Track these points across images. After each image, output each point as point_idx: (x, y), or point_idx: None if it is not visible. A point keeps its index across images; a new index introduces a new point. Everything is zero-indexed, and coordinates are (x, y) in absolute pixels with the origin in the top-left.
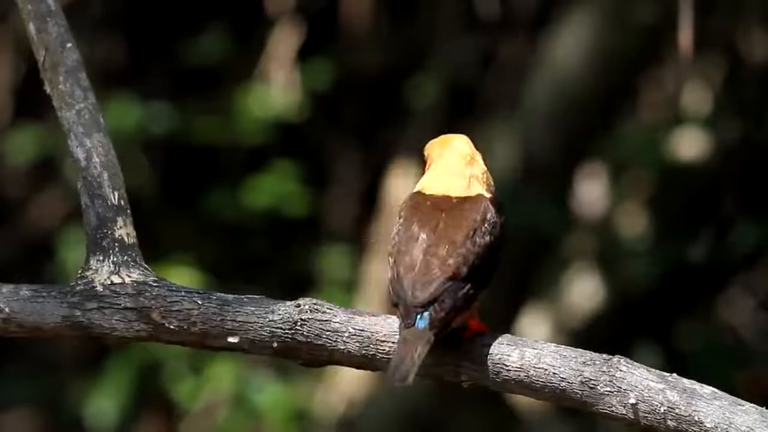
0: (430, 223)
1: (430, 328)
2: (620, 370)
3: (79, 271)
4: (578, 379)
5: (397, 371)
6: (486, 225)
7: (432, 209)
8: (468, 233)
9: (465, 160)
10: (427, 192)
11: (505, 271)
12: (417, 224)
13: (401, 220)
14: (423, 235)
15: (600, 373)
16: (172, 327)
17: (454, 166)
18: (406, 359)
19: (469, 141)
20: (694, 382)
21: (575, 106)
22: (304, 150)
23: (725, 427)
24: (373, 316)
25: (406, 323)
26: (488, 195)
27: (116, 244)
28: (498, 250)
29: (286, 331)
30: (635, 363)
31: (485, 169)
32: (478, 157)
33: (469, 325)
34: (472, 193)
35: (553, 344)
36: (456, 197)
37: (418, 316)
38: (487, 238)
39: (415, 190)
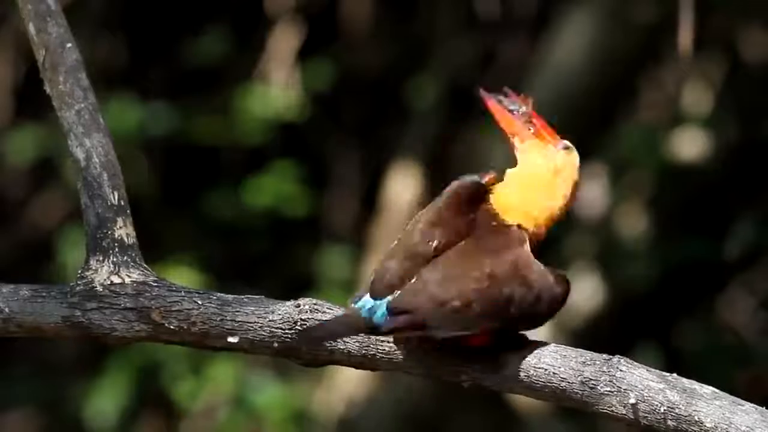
0: (453, 232)
1: (372, 323)
2: (620, 370)
3: (79, 272)
4: (578, 379)
5: (315, 332)
6: (516, 279)
7: (468, 214)
8: (485, 271)
9: (556, 173)
10: (489, 196)
11: None
12: (442, 227)
13: (434, 208)
14: (436, 240)
15: (600, 373)
16: (172, 327)
17: (541, 179)
18: (329, 330)
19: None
20: (694, 382)
21: (575, 105)
22: (304, 150)
23: (725, 427)
24: None
25: (353, 300)
26: (529, 238)
27: (116, 244)
28: (516, 315)
29: (286, 331)
30: (635, 363)
31: (564, 208)
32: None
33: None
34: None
35: (553, 344)
36: (500, 224)
37: (368, 303)
38: (506, 290)
39: (491, 181)
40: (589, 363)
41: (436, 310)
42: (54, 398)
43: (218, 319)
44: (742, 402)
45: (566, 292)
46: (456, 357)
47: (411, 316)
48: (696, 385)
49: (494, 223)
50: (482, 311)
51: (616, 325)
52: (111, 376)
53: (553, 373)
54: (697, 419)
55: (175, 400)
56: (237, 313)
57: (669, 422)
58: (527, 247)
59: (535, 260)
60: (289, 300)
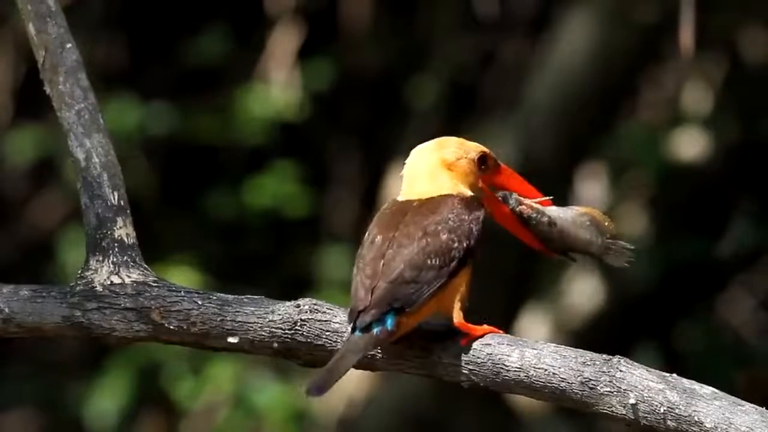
0: (389, 228)
1: (364, 334)
2: (620, 371)
3: (79, 272)
4: (578, 379)
5: (319, 380)
6: (442, 224)
7: (395, 214)
8: (420, 234)
9: (443, 164)
10: (401, 198)
11: (505, 272)
12: (377, 230)
13: (370, 227)
14: (378, 239)
15: (600, 373)
16: (171, 327)
17: (430, 170)
18: (333, 373)
19: (459, 142)
20: (694, 382)
21: (575, 105)
22: (304, 150)
23: (725, 427)
24: None
25: (351, 328)
26: (456, 194)
27: (116, 245)
28: (462, 246)
29: (286, 331)
30: (635, 363)
31: (469, 170)
32: (464, 159)
33: (461, 331)
34: (440, 193)
35: (553, 344)
36: (420, 200)
37: (359, 323)
38: (444, 236)
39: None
40: (589, 363)
41: (394, 289)
42: (54, 398)
43: (218, 319)
44: (742, 402)
45: (483, 210)
46: (455, 357)
47: (379, 303)
48: (696, 385)
49: (422, 204)
50: (438, 264)
51: (616, 325)
52: (111, 376)
53: (553, 373)
54: (697, 419)
55: (175, 400)
56: (237, 314)
57: (669, 422)
58: (451, 200)
59: (452, 198)
60: (289, 300)
